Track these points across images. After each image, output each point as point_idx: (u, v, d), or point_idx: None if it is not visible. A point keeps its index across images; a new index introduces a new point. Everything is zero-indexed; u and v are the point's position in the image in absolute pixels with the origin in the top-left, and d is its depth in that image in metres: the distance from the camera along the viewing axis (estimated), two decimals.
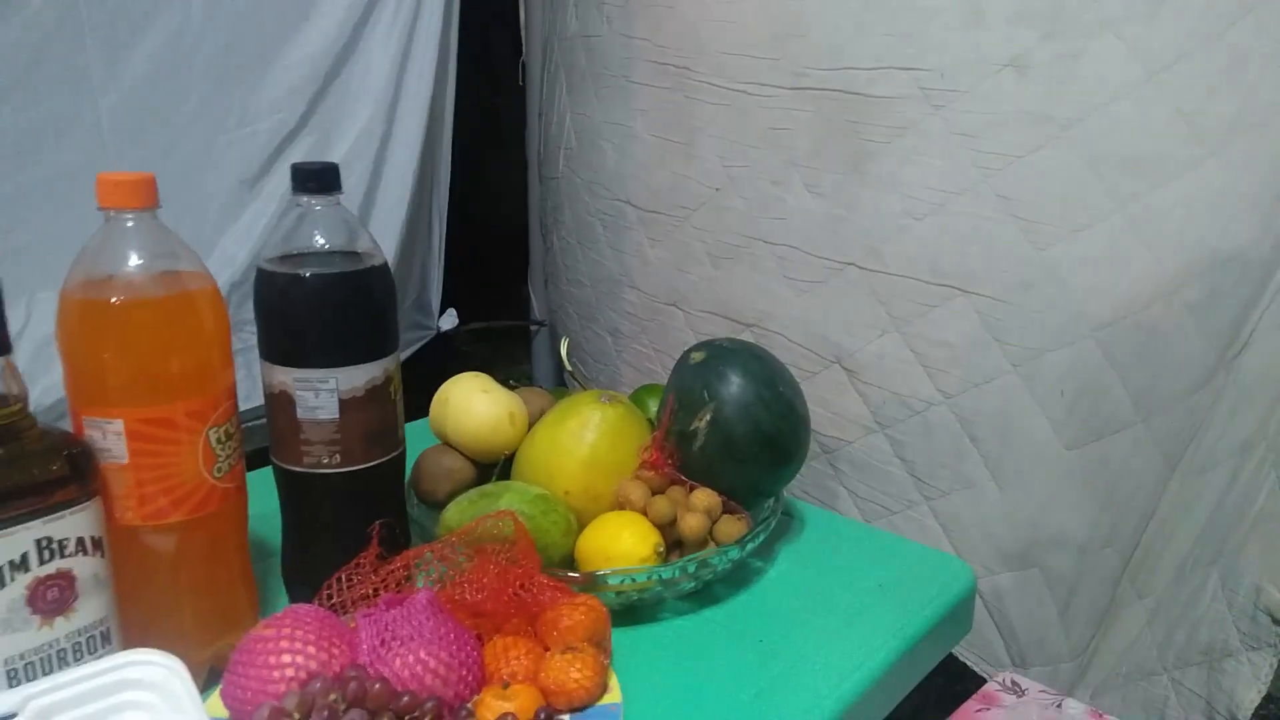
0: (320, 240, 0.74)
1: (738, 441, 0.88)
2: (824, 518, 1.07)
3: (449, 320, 1.91)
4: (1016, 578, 1.24)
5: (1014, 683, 0.97)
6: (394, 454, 0.80)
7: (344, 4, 1.48)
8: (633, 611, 0.84)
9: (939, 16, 1.19)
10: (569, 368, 1.00)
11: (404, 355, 1.75)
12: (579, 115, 1.67)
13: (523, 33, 1.86)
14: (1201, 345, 1.07)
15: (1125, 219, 1.09)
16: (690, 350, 0.95)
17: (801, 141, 1.34)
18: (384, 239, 1.63)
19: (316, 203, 0.74)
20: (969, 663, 1.29)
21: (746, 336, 1.44)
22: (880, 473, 1.33)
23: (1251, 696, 1.07)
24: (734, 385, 0.89)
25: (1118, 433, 1.13)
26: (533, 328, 2.01)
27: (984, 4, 1.15)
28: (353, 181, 1.55)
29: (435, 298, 1.87)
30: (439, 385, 0.99)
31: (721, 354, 0.93)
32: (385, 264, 0.76)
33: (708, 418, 0.87)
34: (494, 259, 2.06)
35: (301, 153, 1.45)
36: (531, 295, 2.02)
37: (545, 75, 1.77)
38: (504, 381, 0.96)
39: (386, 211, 1.65)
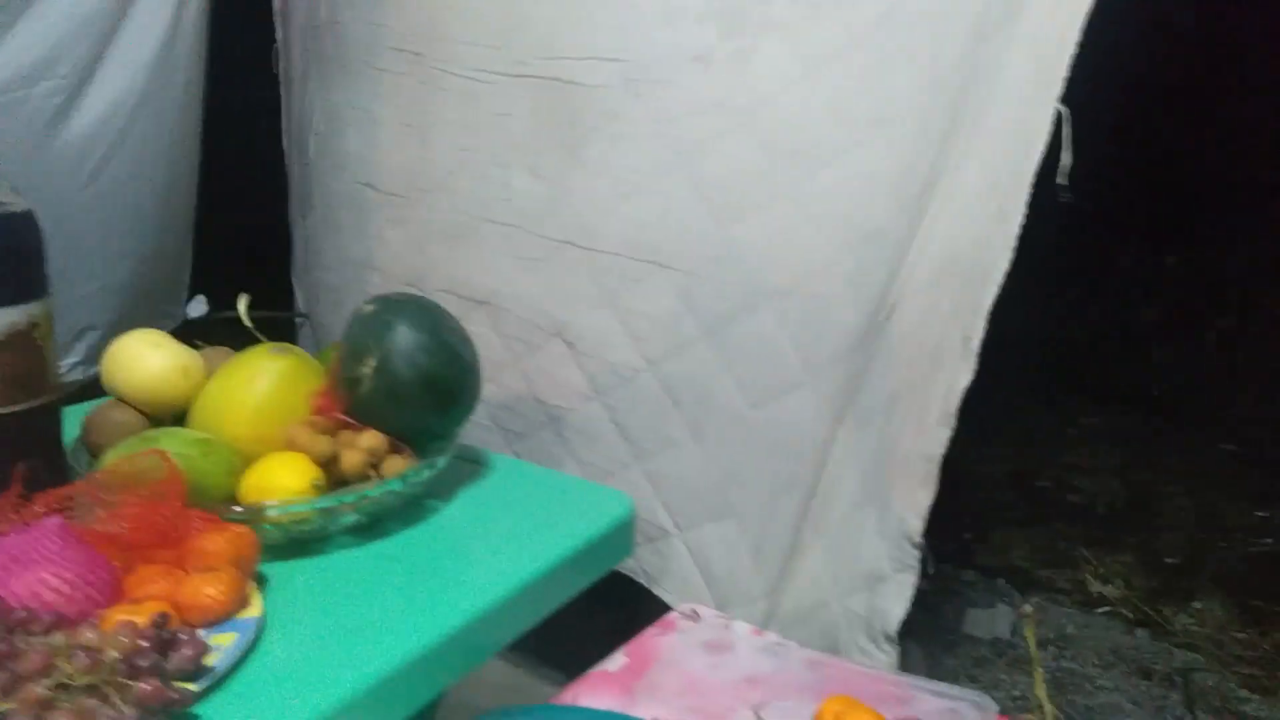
0: None
1: (402, 385, 0.93)
2: (508, 464, 1.11)
3: (197, 308, 1.86)
4: (716, 528, 1.33)
5: (693, 611, 1.04)
6: (41, 400, 0.81)
7: None
8: (300, 546, 0.87)
9: (638, 12, 1.28)
10: (248, 324, 1.03)
11: None
12: (327, 100, 1.70)
13: (276, 18, 1.84)
14: (856, 312, 1.19)
15: (792, 200, 1.20)
16: (364, 303, 0.99)
17: (523, 127, 1.41)
18: (126, 219, 1.62)
19: None
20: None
21: (479, 314, 1.50)
22: (598, 438, 1.41)
23: (898, 612, 1.20)
24: (399, 333, 0.93)
25: (791, 392, 1.24)
26: (297, 320, 1.97)
27: (675, 3, 1.25)
28: (96, 155, 1.54)
29: (183, 285, 1.83)
30: None
31: (390, 305, 0.98)
32: (27, 212, 0.78)
33: (373, 364, 0.92)
34: (259, 248, 2.01)
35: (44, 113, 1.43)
36: (295, 286, 2.00)
37: (298, 63, 1.79)
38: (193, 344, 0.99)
39: (131, 191, 1.62)
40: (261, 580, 0.81)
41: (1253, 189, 2.96)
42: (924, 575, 1.21)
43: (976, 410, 1.06)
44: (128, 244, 1.65)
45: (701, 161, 1.25)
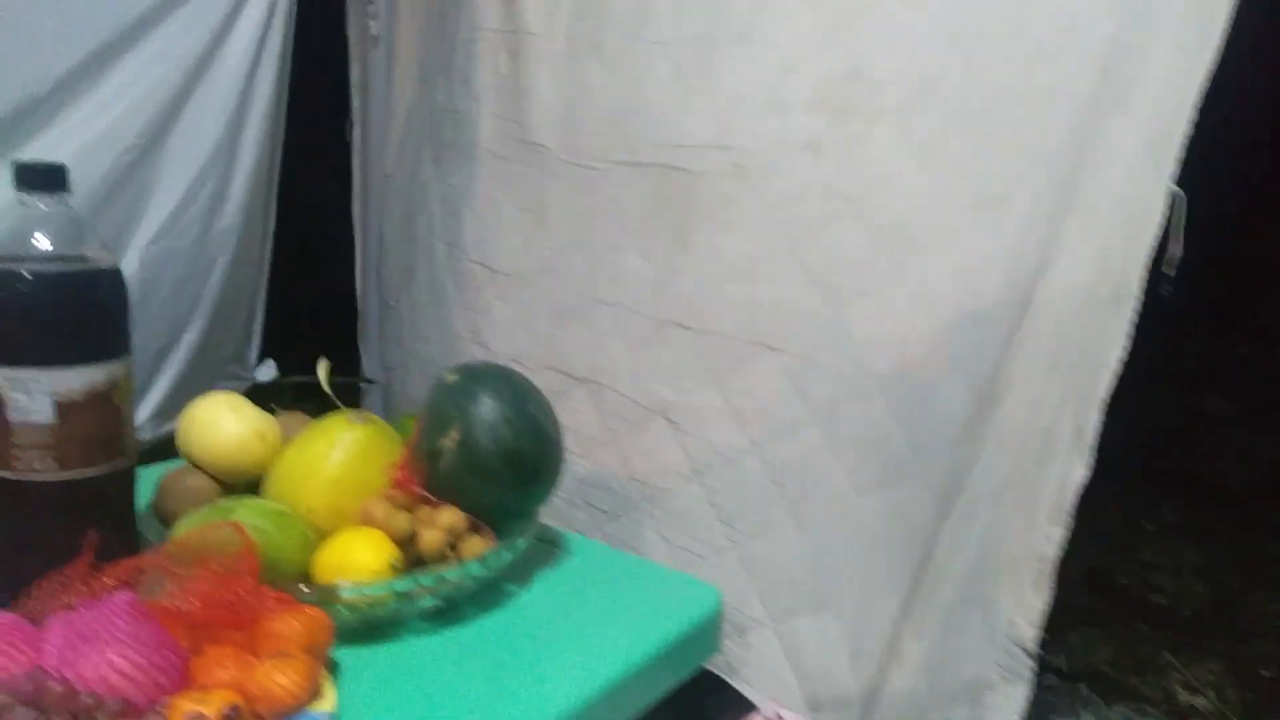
0: (43, 240, 0.67)
1: (483, 459, 0.82)
2: (587, 546, 0.99)
3: (266, 372, 1.74)
4: (812, 621, 1.18)
5: (778, 715, 0.90)
6: (118, 463, 0.71)
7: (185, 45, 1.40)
8: (374, 630, 0.76)
9: (747, 103, 1.20)
10: (328, 390, 0.92)
11: None
12: (445, 184, 1.64)
13: (353, 90, 1.80)
14: (964, 396, 1.05)
15: (901, 284, 1.08)
16: (447, 372, 0.89)
17: (635, 211, 1.33)
18: (205, 288, 1.54)
19: (41, 201, 0.67)
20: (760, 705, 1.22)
21: (580, 391, 1.39)
22: (693, 519, 1.27)
23: None
24: (482, 405, 0.82)
25: (899, 480, 1.10)
26: (363, 385, 1.86)
27: (784, 93, 1.17)
28: (186, 224, 1.47)
29: (254, 348, 1.71)
30: None
31: (473, 375, 0.86)
32: (114, 268, 0.69)
33: (455, 436, 0.81)
34: (322, 317, 1.92)
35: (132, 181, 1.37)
36: (362, 353, 1.92)
37: (406, 142, 1.74)
38: (268, 408, 0.88)
39: (210, 261, 1.54)
40: (333, 667, 0.70)
41: None
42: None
43: None
44: (196, 303, 1.54)
45: (811, 246, 1.15)
